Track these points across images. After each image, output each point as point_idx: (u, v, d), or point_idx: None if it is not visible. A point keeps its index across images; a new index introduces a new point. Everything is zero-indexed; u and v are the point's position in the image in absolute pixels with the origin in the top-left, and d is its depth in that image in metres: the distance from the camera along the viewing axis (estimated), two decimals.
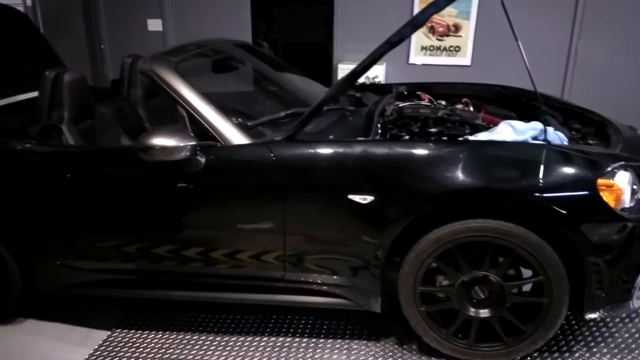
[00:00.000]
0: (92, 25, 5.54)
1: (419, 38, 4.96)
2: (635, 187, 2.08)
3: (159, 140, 2.11)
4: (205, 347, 2.47)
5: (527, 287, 2.27)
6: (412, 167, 2.13)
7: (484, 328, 2.24)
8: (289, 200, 2.19)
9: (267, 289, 2.38)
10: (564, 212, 2.00)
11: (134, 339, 2.55)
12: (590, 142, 2.45)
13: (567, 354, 2.36)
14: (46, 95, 2.64)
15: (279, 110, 2.66)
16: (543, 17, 4.71)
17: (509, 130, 2.39)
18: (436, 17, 4.64)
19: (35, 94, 2.87)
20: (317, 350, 2.43)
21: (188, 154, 2.14)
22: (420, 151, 2.14)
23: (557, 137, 2.33)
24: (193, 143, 2.14)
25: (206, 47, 2.90)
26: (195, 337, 2.54)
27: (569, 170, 2.07)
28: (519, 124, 2.41)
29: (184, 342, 2.51)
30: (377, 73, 4.88)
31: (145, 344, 2.51)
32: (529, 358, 2.31)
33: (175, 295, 2.50)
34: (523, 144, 2.27)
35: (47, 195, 2.41)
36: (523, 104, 3.00)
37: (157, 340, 2.54)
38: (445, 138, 2.48)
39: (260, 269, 2.34)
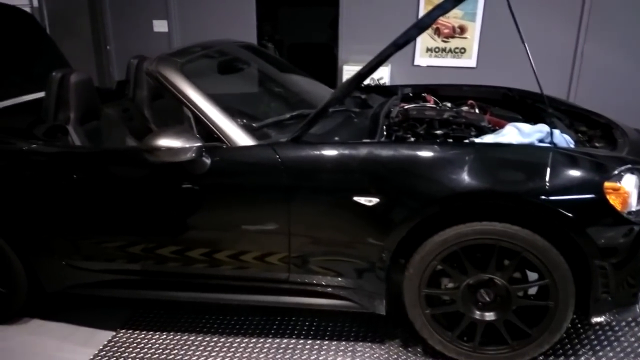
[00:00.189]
0: (98, 26, 5.56)
1: (424, 40, 4.95)
2: None
3: (165, 142, 2.12)
4: (209, 348, 2.47)
5: (532, 290, 2.26)
6: (418, 169, 2.12)
7: (490, 331, 2.23)
8: (294, 202, 2.19)
9: (272, 291, 2.38)
10: (570, 215, 1.99)
11: (139, 340, 2.55)
12: (597, 145, 2.44)
13: (572, 358, 2.35)
14: (53, 96, 2.65)
15: (284, 112, 2.66)
16: (549, 19, 4.70)
17: (515, 133, 2.38)
18: (442, 19, 4.62)
19: (41, 94, 2.88)
20: (322, 352, 2.43)
21: (194, 155, 2.14)
22: (426, 153, 2.14)
23: (563, 139, 2.32)
24: (199, 144, 2.15)
25: (212, 49, 2.91)
26: (200, 338, 2.54)
27: (575, 173, 2.07)
28: (525, 127, 2.40)
29: (189, 343, 2.52)
30: (382, 74, 4.87)
31: (150, 345, 2.51)
32: None
33: (179, 296, 2.50)
34: (529, 147, 2.27)
35: (53, 196, 2.41)
36: (529, 106, 2.99)
37: (161, 341, 2.54)
38: (451, 140, 2.47)
39: (264, 271, 2.34)
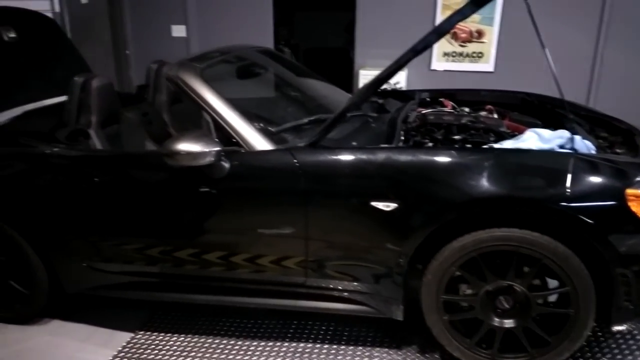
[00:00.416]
0: (118, 31, 5.65)
1: (441, 44, 4.94)
2: None
3: (185, 146, 2.14)
4: (227, 351, 2.48)
5: (552, 298, 2.23)
6: (436, 174, 2.11)
7: (508, 338, 2.21)
8: (311, 206, 2.19)
9: (289, 295, 2.39)
10: (592, 222, 1.97)
11: (157, 342, 2.58)
12: (618, 151, 2.40)
13: None
14: (75, 100, 2.70)
15: (301, 117, 2.67)
16: (568, 23, 4.65)
17: (535, 139, 2.36)
18: (459, 24, 4.61)
19: (63, 98, 2.93)
20: (338, 357, 2.42)
21: (212, 159, 2.16)
22: (444, 158, 2.13)
23: (584, 145, 2.29)
24: (218, 148, 2.16)
25: (230, 54, 2.94)
26: (217, 341, 2.56)
27: (596, 179, 2.04)
28: (545, 132, 2.38)
29: (206, 345, 2.53)
30: (399, 79, 4.87)
31: (168, 347, 2.53)
32: None
33: (197, 299, 2.52)
34: (550, 153, 2.25)
35: (74, 199, 2.45)
36: (548, 112, 2.96)
37: (179, 343, 2.56)
38: (470, 145, 2.46)
39: (281, 274, 2.35)
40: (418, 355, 2.42)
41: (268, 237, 2.30)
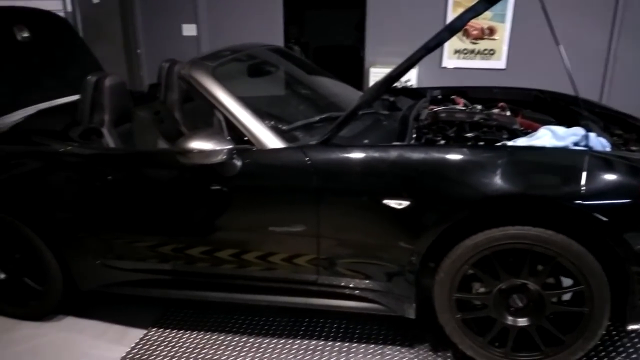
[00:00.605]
0: (129, 30, 5.68)
1: (452, 41, 4.90)
2: None
3: (197, 144, 2.14)
4: (239, 348, 2.49)
5: (566, 296, 2.22)
6: (449, 172, 2.10)
7: (522, 336, 2.20)
8: (323, 204, 2.19)
9: (301, 292, 2.39)
10: (606, 219, 1.95)
11: (170, 338, 2.59)
12: (633, 148, 2.38)
13: None
14: (88, 99, 2.72)
15: (313, 115, 2.67)
16: (581, 19, 4.61)
17: (549, 136, 2.34)
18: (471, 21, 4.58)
19: (75, 97, 2.95)
20: (350, 355, 2.42)
21: (225, 157, 2.16)
22: (457, 156, 2.12)
23: (599, 143, 2.27)
24: (230, 147, 2.17)
25: (241, 52, 2.94)
26: (229, 338, 2.57)
27: (611, 177, 2.02)
28: (559, 130, 2.36)
29: (218, 342, 2.54)
30: (410, 77, 4.85)
31: (181, 343, 2.55)
32: None
33: (209, 296, 2.53)
34: (564, 150, 2.22)
35: (88, 196, 2.47)
36: (562, 109, 2.93)
37: (192, 339, 2.57)
38: (482, 143, 2.44)
39: (293, 272, 2.35)
40: (430, 353, 2.41)
41: (280, 235, 2.31)
